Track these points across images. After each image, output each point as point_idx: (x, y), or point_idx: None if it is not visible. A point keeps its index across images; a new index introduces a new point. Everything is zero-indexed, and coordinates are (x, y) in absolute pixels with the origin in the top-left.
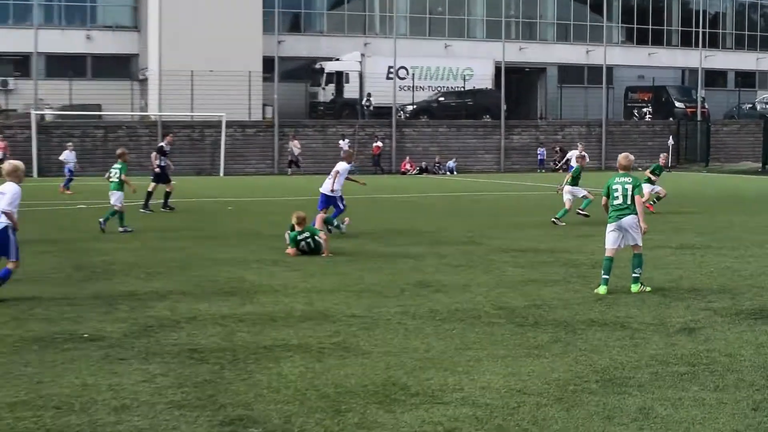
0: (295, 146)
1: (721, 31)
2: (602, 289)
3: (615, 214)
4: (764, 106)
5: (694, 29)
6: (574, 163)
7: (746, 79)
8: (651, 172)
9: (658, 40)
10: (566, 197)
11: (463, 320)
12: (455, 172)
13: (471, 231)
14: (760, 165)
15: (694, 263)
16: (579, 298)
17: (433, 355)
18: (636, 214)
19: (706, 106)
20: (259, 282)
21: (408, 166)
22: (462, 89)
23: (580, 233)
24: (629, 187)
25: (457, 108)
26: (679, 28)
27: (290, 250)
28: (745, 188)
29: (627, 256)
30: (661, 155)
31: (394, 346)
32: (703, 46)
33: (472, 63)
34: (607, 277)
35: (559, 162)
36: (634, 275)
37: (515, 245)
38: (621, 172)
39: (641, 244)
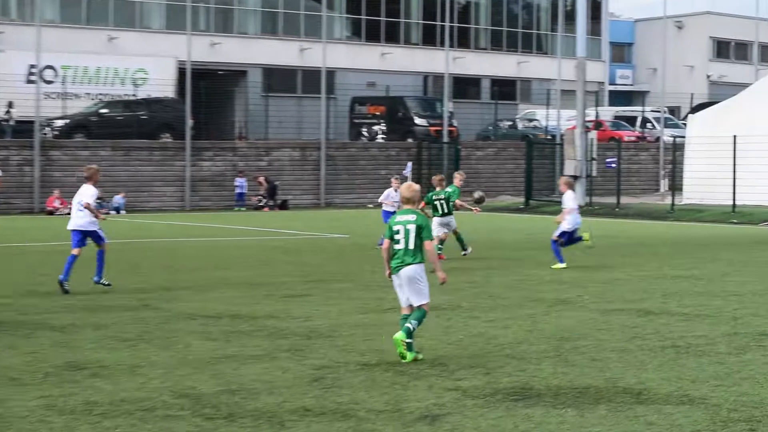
0: None
1: (473, 26)
2: (408, 357)
3: (396, 263)
4: (527, 124)
5: (439, 23)
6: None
7: (505, 88)
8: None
9: (393, 37)
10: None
11: (131, 414)
12: (123, 211)
13: (144, 291)
14: (523, 200)
15: (439, 329)
16: (289, 380)
17: None
18: (421, 262)
19: (455, 124)
20: None
21: (57, 203)
22: (133, 98)
23: (290, 293)
24: (412, 227)
25: (126, 123)
26: (421, 22)
27: None
28: (505, 230)
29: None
30: (457, 174)
31: None
32: (451, 45)
33: (147, 62)
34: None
35: (265, 197)
36: (407, 325)
37: (205, 310)
38: (405, 207)
39: (426, 302)
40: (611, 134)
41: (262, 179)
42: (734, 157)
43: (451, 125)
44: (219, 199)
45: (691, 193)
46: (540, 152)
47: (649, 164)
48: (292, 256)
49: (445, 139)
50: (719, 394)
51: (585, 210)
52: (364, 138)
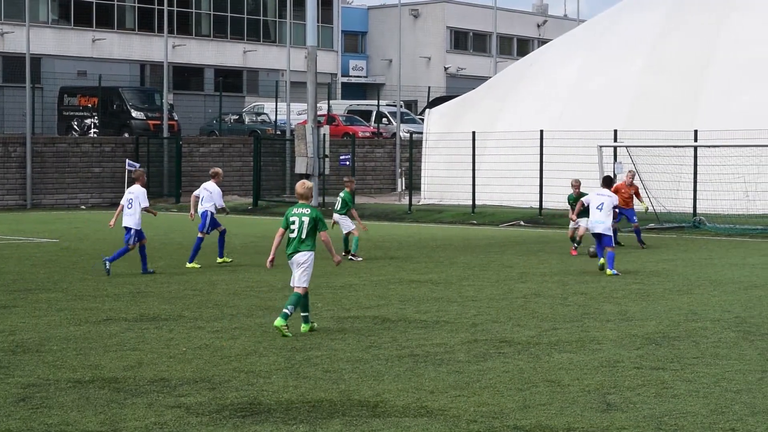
0: None
1: (194, 11)
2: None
3: (290, 249)
4: (255, 119)
5: (157, 7)
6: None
7: (230, 79)
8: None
9: (106, 21)
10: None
11: None
12: None
13: None
14: (252, 200)
15: (160, 342)
16: None
17: None
18: (312, 250)
19: (176, 117)
20: None
21: None
22: None
23: None
24: (306, 219)
25: None
26: (136, 5)
27: None
28: (232, 233)
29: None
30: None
31: None
32: (171, 32)
33: None
34: (305, 314)
35: None
36: (284, 311)
37: None
38: (300, 202)
39: (305, 285)
40: (345, 129)
41: None
42: (473, 155)
43: (171, 119)
44: None
45: (430, 193)
46: (269, 149)
47: (385, 162)
48: None
49: (165, 133)
50: (458, 405)
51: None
52: (75, 132)
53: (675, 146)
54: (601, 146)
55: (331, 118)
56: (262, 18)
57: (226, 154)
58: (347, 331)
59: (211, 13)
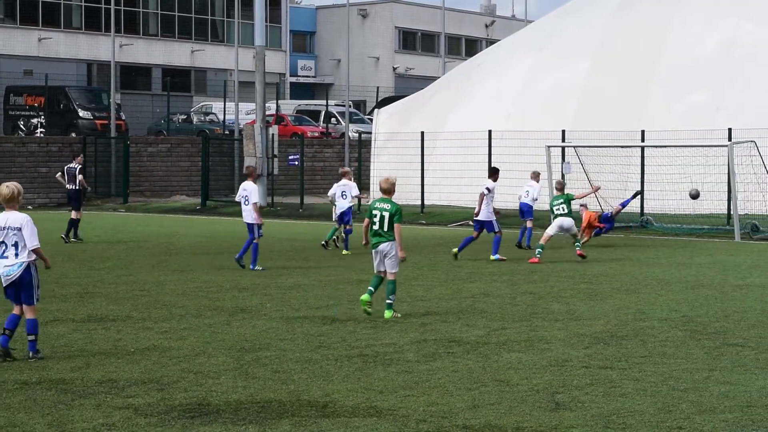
0: None
1: (141, 10)
2: (365, 296)
3: (374, 240)
4: (203, 118)
5: (104, 6)
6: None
7: (178, 79)
8: None
9: (52, 20)
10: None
11: None
12: None
13: None
14: (200, 201)
15: (108, 342)
16: None
17: None
18: (392, 240)
19: (123, 117)
20: None
21: None
22: None
23: None
24: (386, 214)
25: None
26: (83, 4)
27: None
28: (180, 233)
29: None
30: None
31: None
32: (118, 31)
33: None
34: (372, 289)
35: None
36: (387, 301)
37: None
38: (383, 197)
39: (394, 272)
40: (293, 129)
41: None
42: (422, 155)
43: (119, 118)
44: None
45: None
46: (217, 148)
47: (334, 162)
48: None
49: (113, 133)
50: (408, 405)
51: (267, 211)
52: (21, 132)
53: (622, 146)
54: (549, 146)
55: (279, 118)
56: (209, 17)
57: (174, 154)
58: (296, 331)
59: (159, 12)
